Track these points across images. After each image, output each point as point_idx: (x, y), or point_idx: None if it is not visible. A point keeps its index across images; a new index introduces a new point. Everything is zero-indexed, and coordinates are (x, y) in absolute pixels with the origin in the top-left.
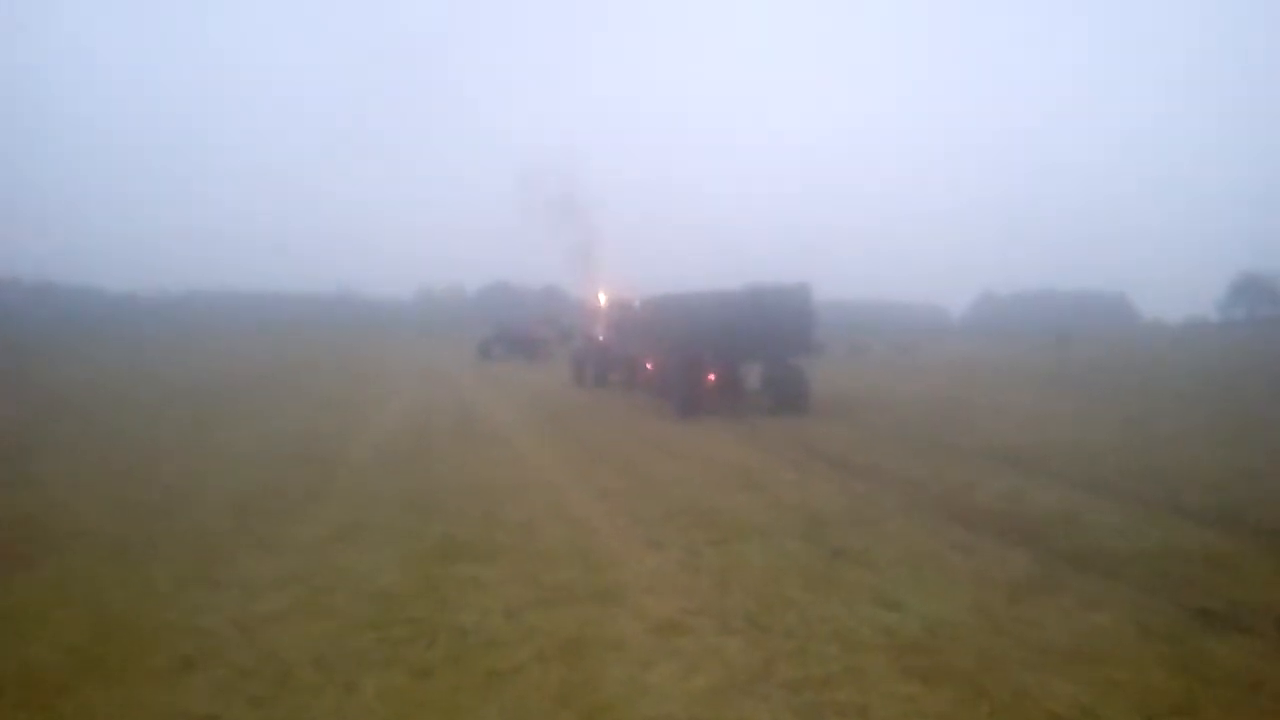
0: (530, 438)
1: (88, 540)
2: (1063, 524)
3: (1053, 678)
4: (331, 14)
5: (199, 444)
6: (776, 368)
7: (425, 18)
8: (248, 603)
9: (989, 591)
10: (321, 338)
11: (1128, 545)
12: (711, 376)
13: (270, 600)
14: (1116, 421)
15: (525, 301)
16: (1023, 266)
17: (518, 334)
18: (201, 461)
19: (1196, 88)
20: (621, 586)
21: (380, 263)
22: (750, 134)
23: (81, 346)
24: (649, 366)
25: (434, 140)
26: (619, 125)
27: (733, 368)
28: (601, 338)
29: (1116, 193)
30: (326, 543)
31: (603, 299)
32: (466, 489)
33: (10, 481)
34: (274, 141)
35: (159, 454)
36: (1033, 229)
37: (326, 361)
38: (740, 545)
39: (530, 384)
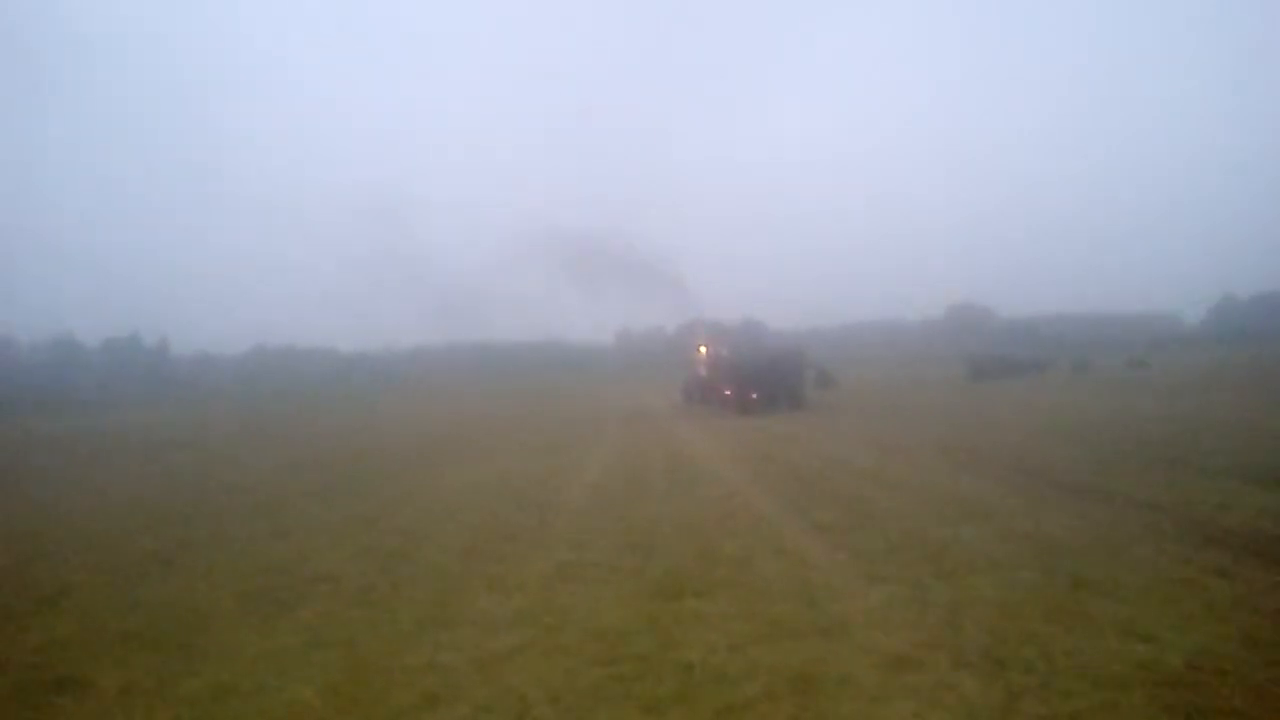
0: (674, 419)
1: (336, 585)
2: None
3: None
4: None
5: (428, 490)
6: (788, 389)
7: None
8: (483, 641)
9: (1256, 619)
10: (534, 382)
11: None
12: (754, 395)
13: (504, 638)
14: None
15: (724, 336)
16: (1271, 263)
17: None
18: (431, 507)
19: None
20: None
21: (588, 310)
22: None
23: (318, 402)
24: (726, 391)
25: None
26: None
27: (768, 389)
28: (701, 374)
29: None
30: (552, 582)
31: (702, 350)
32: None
33: (268, 533)
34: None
35: (394, 501)
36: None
37: (538, 404)
38: (971, 577)
39: (659, 404)
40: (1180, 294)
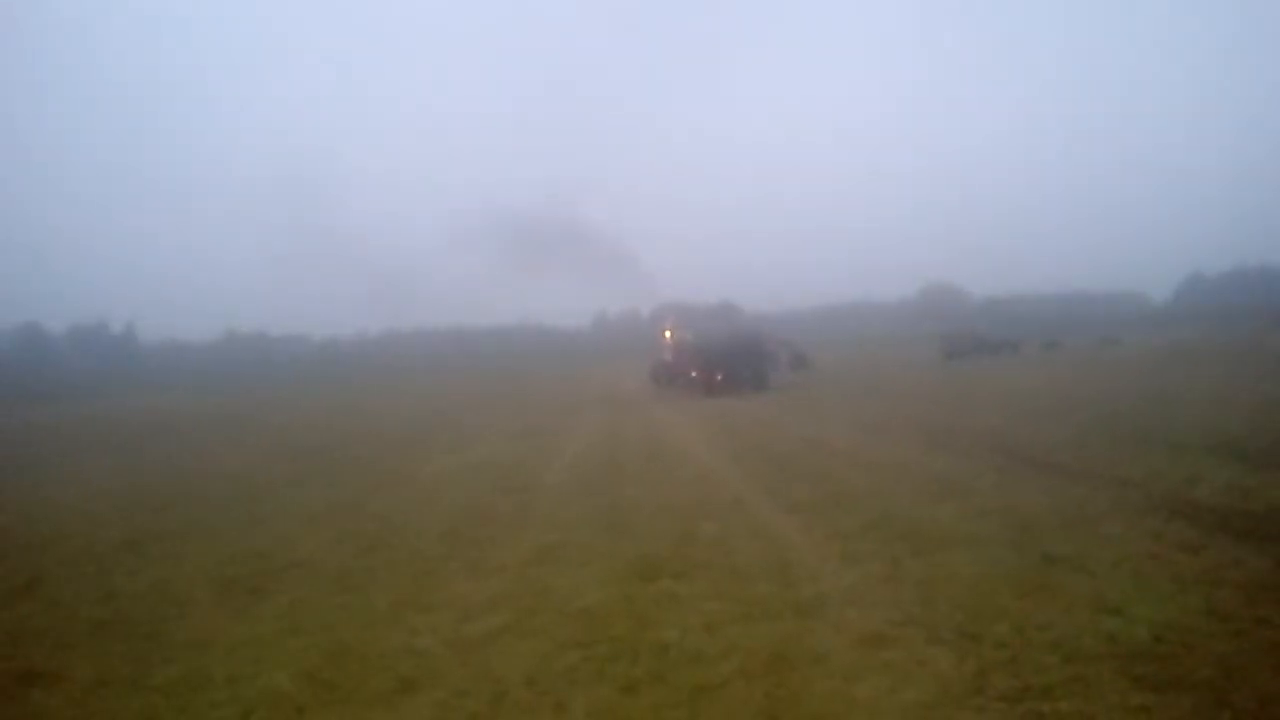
0: (651, 403)
1: (312, 571)
2: None
3: None
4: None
5: (405, 476)
6: (752, 370)
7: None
8: (461, 624)
9: (1223, 593)
10: (508, 367)
11: None
12: (719, 377)
13: (481, 621)
14: None
15: (697, 320)
16: (1237, 241)
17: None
18: (408, 492)
19: None
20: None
21: (558, 292)
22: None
23: (291, 390)
24: (692, 374)
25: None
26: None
27: (732, 371)
28: (667, 358)
29: None
30: (529, 565)
31: (667, 335)
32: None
33: (242, 520)
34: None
35: (370, 487)
36: (1242, 199)
37: (513, 390)
38: (947, 554)
39: (633, 386)
40: (1149, 273)
